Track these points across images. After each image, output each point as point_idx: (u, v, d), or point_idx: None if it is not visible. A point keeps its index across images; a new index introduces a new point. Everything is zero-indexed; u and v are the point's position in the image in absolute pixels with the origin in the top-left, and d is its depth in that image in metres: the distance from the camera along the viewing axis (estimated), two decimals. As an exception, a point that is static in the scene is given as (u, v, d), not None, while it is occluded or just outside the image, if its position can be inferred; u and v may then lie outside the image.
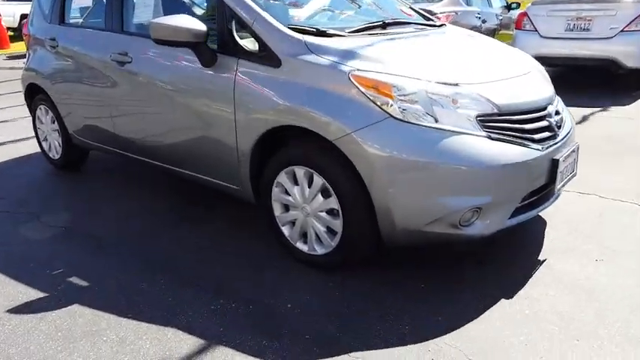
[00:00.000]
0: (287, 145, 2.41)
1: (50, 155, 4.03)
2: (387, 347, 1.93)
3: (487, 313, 2.10)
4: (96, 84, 3.26)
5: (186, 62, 2.67)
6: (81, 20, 3.60)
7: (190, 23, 2.43)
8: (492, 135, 2.11)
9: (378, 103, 2.07)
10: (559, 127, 2.40)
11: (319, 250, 2.41)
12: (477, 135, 2.08)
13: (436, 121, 2.07)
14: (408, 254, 2.53)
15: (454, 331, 2.00)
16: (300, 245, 2.49)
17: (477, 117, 2.11)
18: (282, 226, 2.54)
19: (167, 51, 2.75)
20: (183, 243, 2.77)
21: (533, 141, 2.22)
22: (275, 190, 2.49)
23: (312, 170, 2.28)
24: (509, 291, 2.25)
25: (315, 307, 2.18)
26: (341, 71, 2.17)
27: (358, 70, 2.15)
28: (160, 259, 2.61)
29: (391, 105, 2.06)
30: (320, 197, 2.31)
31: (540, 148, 2.21)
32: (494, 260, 2.49)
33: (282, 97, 2.30)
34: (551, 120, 2.35)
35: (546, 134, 2.30)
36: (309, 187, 2.34)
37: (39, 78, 3.75)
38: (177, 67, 2.73)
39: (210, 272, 2.48)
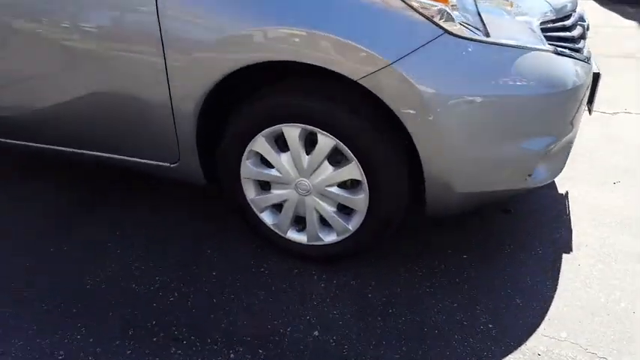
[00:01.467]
0: (263, 94, 1.57)
1: None
2: (486, 364, 1.39)
3: (564, 281, 1.67)
4: None
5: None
6: None
7: None
8: (557, 49, 1.55)
9: (426, 13, 1.35)
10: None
11: (327, 239, 1.70)
12: (545, 50, 1.50)
13: (487, 35, 1.43)
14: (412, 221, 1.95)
15: (547, 318, 1.52)
16: (293, 235, 1.74)
17: (540, 25, 1.53)
18: (262, 212, 1.75)
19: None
20: (111, 265, 1.80)
21: (580, 52, 1.72)
22: (246, 163, 1.66)
23: (315, 128, 1.50)
24: (562, 244, 1.84)
25: (354, 327, 1.52)
26: (357, -35, 1.36)
27: (383, -38, 1.37)
28: (86, 299, 1.64)
29: (446, 14, 1.35)
30: (327, 166, 1.57)
31: (588, 62, 1.74)
32: (516, 208, 2.05)
33: (256, 15, 1.42)
34: (584, 24, 1.88)
35: (583, 43, 1.82)
36: (309, 153, 1.56)
37: None
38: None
39: (177, 306, 1.61)
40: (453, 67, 1.36)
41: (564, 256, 1.78)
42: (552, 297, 1.60)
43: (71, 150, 1.90)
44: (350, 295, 1.63)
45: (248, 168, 1.66)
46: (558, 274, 1.70)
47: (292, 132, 1.54)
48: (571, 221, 1.96)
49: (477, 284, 1.66)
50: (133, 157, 1.83)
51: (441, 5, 1.34)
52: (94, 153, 1.87)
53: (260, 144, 1.60)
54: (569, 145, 1.70)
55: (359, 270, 1.73)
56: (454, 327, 1.50)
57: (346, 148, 1.50)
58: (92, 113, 1.75)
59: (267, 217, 1.75)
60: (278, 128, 1.55)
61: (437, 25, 1.34)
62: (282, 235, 1.75)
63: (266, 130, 1.57)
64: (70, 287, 1.67)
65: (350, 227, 1.63)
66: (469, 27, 1.40)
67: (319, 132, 1.50)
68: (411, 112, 1.38)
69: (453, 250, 1.82)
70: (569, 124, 1.62)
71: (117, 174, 2.29)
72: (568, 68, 1.54)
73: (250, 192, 1.72)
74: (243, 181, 1.70)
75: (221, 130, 1.69)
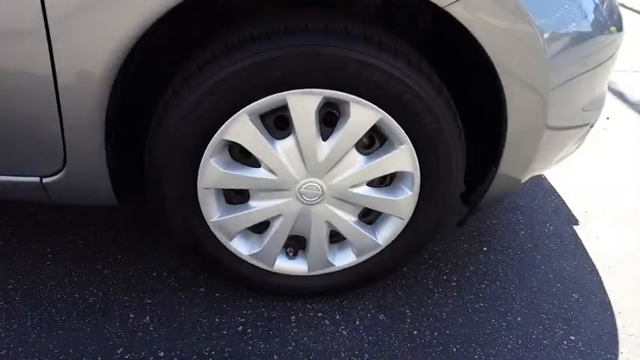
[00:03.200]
0: (240, 40, 0.89)
1: None
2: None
3: (596, 259, 1.42)
4: None
5: None
6: None
7: None
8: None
9: None
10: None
11: (339, 262, 1.13)
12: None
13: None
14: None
15: (617, 311, 1.25)
16: (285, 266, 1.12)
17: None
18: (232, 239, 1.07)
19: None
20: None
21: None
22: (211, 162, 0.96)
23: (348, 95, 0.90)
24: (565, 214, 1.62)
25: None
26: None
27: None
28: None
29: None
30: (356, 155, 0.99)
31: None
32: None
33: None
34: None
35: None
36: (325, 138, 0.96)
37: None
38: None
39: None
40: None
41: (576, 228, 1.55)
42: (601, 282, 1.34)
43: None
44: (389, 339, 1.11)
45: (214, 171, 0.97)
46: (586, 251, 1.45)
47: (306, 104, 0.91)
48: (553, 186, 1.76)
49: (521, 284, 1.31)
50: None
51: None
52: None
53: (240, 128, 0.93)
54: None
55: (378, 298, 1.21)
56: (538, 352, 1.12)
57: (397, 125, 0.94)
58: None
59: (240, 246, 1.08)
60: (279, 98, 0.90)
61: None
62: (268, 268, 1.11)
63: (255, 103, 0.90)
64: None
65: (379, 241, 1.10)
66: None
67: (355, 101, 0.91)
68: (513, 56, 0.89)
69: (468, 245, 1.43)
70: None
71: None
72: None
73: (212, 210, 1.03)
74: (201, 193, 1.00)
75: (152, 112, 0.95)
